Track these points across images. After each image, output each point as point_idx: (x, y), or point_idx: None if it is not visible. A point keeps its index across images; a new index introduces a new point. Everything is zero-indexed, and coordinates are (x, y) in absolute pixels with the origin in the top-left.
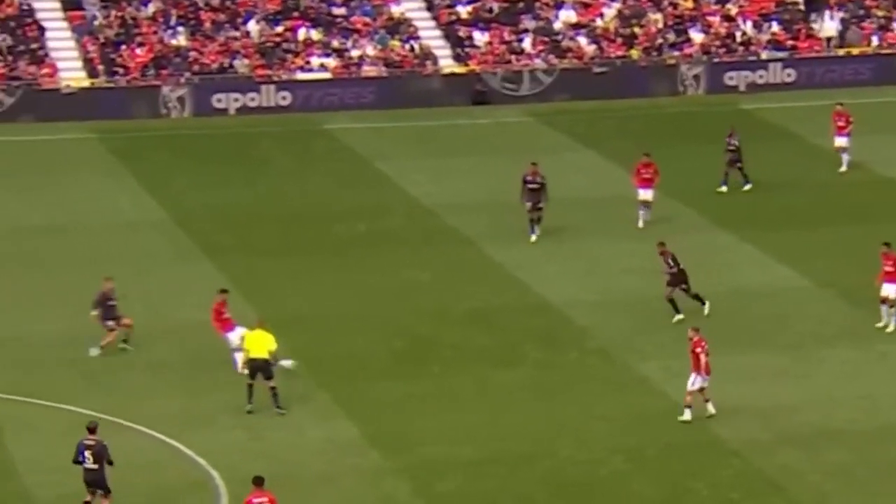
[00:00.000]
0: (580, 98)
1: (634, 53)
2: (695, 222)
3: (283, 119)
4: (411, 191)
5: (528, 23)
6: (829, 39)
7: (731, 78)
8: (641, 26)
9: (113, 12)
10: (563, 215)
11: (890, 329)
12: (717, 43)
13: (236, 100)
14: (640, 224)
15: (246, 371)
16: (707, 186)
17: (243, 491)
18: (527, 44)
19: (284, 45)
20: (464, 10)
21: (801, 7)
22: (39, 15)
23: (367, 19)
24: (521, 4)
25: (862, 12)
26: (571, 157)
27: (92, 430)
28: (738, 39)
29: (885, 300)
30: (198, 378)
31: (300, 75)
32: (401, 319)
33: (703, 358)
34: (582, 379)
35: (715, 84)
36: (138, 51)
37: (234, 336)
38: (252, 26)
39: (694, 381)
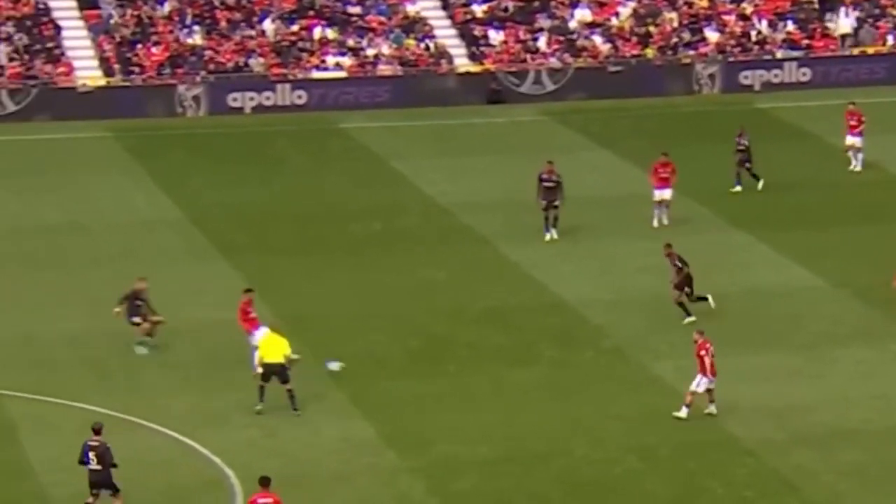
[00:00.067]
0: (595, 97)
1: (649, 52)
2: (710, 222)
3: (299, 118)
4: (427, 190)
5: (543, 22)
6: (844, 37)
7: (747, 77)
8: (656, 25)
9: (129, 11)
10: (578, 214)
11: None
12: (733, 42)
13: (252, 99)
14: (655, 223)
15: (259, 370)
16: (722, 186)
17: (258, 489)
18: (542, 43)
19: (300, 44)
20: (479, 9)
21: (816, 6)
22: (55, 14)
23: (383, 18)
24: (536, 3)
25: (877, 11)
26: (586, 156)
27: (97, 432)
28: (754, 38)
29: None
30: (213, 377)
31: (315, 74)
32: (416, 318)
33: (707, 360)
34: (597, 378)
35: (730, 83)
36: (154, 50)
37: (260, 335)
38: (267, 25)
39: (699, 383)
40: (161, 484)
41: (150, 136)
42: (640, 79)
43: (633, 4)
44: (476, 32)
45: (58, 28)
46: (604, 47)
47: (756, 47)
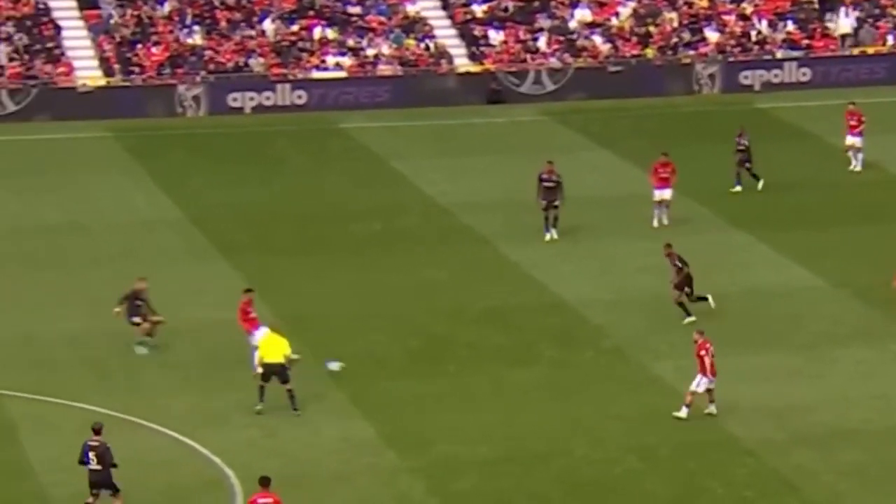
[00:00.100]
0: (595, 97)
1: (649, 52)
2: (710, 222)
3: (299, 118)
4: (427, 190)
5: (543, 22)
6: (843, 37)
7: (747, 77)
8: (656, 25)
9: (129, 11)
10: (578, 214)
11: None
12: (733, 42)
13: (252, 99)
14: (655, 223)
15: (260, 370)
16: (722, 186)
17: (258, 489)
18: (542, 43)
19: (300, 44)
20: (479, 9)
21: (816, 6)
22: (55, 14)
23: (383, 18)
24: (536, 3)
25: (877, 11)
26: (586, 156)
27: (97, 432)
28: (754, 38)
29: None
30: (213, 377)
31: (316, 74)
32: (416, 318)
33: (707, 360)
34: (597, 378)
35: (730, 83)
36: (154, 50)
37: (260, 335)
38: (267, 25)
39: (699, 383)
40: (161, 484)
41: (150, 136)
42: (640, 79)
43: (633, 4)
44: (476, 32)
45: (58, 28)
46: (604, 47)
47: (756, 47)
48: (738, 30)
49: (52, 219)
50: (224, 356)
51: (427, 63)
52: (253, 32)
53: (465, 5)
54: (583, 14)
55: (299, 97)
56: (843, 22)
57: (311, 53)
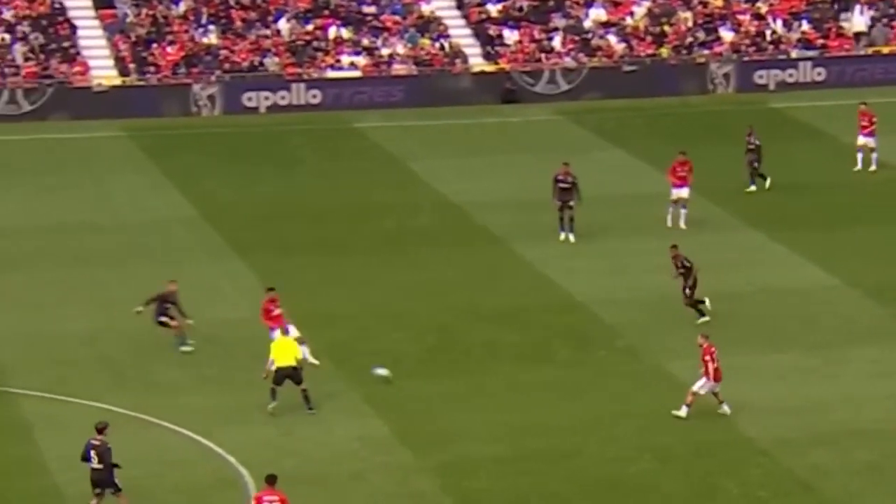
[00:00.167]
0: (610, 96)
1: (664, 52)
2: (724, 222)
3: (314, 117)
4: (441, 189)
5: (558, 21)
6: (858, 35)
7: (761, 76)
8: (671, 25)
9: (144, 10)
10: (592, 214)
11: None
12: (747, 41)
13: (267, 98)
14: (669, 223)
15: (273, 368)
16: (736, 185)
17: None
18: (556, 42)
19: (315, 44)
20: (494, 9)
21: (832, 5)
22: (71, 13)
23: (398, 18)
24: (551, 3)
25: (892, 11)
26: (600, 156)
27: (100, 431)
28: (768, 38)
29: None
30: (228, 376)
31: (330, 74)
32: (430, 317)
33: (711, 366)
34: (611, 377)
35: (745, 83)
36: (169, 49)
37: (292, 331)
38: (282, 25)
39: (702, 386)
40: (176, 482)
41: (165, 135)
42: (654, 78)
43: (647, 4)
44: (491, 32)
45: (73, 27)
46: (618, 47)
47: (771, 47)
48: (752, 29)
49: (68, 218)
50: (239, 355)
51: (442, 63)
52: (268, 32)
53: (479, 5)
54: (597, 13)
55: (314, 97)
56: (858, 20)
57: (326, 53)
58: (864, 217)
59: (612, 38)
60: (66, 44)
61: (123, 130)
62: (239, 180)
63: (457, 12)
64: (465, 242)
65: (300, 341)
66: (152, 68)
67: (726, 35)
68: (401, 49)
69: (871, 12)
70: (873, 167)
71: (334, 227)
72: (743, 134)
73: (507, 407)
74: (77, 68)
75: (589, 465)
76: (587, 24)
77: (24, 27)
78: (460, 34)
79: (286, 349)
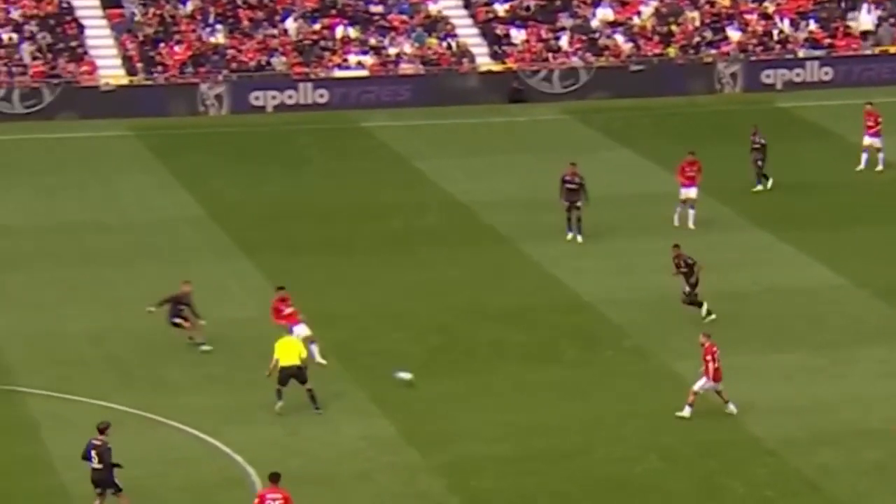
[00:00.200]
0: (617, 96)
1: (671, 51)
2: (731, 221)
3: (321, 117)
4: (448, 188)
5: (565, 21)
6: (864, 33)
7: (768, 76)
8: (678, 24)
9: (152, 10)
10: (599, 213)
11: None
12: (755, 41)
13: (274, 97)
14: (676, 222)
15: (271, 368)
16: (743, 185)
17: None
18: (564, 42)
19: (322, 43)
20: (501, 8)
21: (840, 4)
22: (79, 13)
23: (405, 17)
24: (558, 2)
25: None
26: (608, 156)
27: (101, 431)
28: (776, 37)
29: None
30: (235, 375)
31: (337, 73)
32: (437, 317)
33: (711, 366)
34: (617, 377)
35: (752, 82)
36: (177, 48)
37: (296, 331)
38: (290, 24)
39: (702, 385)
40: (183, 481)
41: (173, 134)
42: (661, 78)
43: (655, 3)
44: (498, 31)
45: (81, 27)
46: (626, 46)
47: (778, 46)
48: (760, 29)
49: (75, 217)
50: (246, 355)
51: (449, 62)
52: (275, 31)
53: (486, 4)
54: (605, 13)
55: (321, 96)
56: (865, 18)
57: (333, 52)
58: (872, 217)
59: (620, 38)
60: (73, 43)
61: (131, 130)
62: (246, 180)
63: (464, 12)
64: (472, 242)
65: (310, 340)
66: (160, 68)
67: (733, 34)
68: (408, 48)
69: (879, 12)
70: (880, 167)
71: (341, 226)
72: (749, 133)
73: (513, 407)
74: (84, 68)
75: (595, 465)
76: (594, 23)
77: (31, 26)
78: (467, 34)
79: (290, 348)
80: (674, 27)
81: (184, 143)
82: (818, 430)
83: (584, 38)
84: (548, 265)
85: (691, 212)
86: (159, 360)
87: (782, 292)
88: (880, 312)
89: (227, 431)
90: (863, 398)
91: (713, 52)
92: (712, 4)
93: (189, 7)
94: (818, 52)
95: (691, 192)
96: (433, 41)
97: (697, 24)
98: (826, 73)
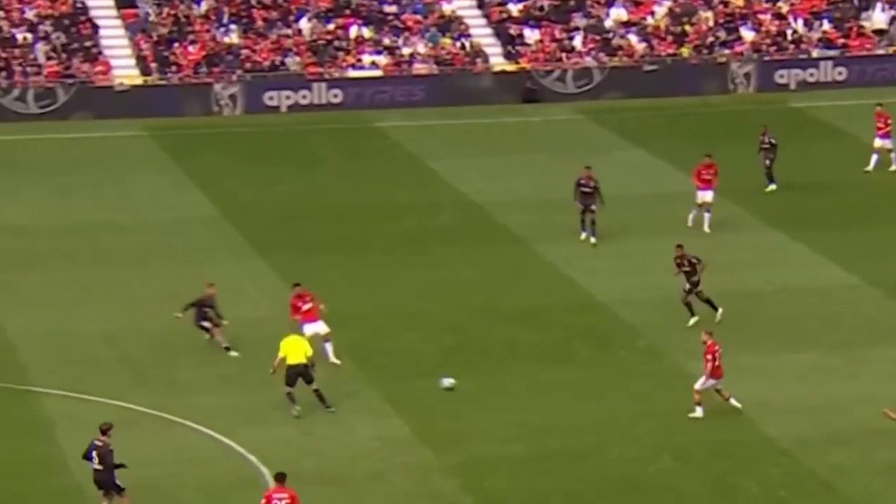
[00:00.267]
0: (630, 96)
1: (685, 51)
2: (745, 221)
3: (335, 116)
4: (461, 188)
5: (578, 21)
6: (878, 32)
7: (782, 76)
8: (692, 24)
9: (166, 10)
10: (612, 213)
11: None
12: (768, 41)
13: (288, 97)
14: (690, 223)
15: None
16: (756, 185)
17: (293, 488)
18: (577, 42)
19: (336, 43)
20: (515, 8)
21: (854, 3)
22: (93, 13)
23: (419, 17)
24: (572, 2)
25: None
26: (621, 156)
27: (104, 432)
28: (789, 37)
29: None
30: (249, 375)
31: (351, 73)
32: (451, 317)
33: (709, 365)
34: (631, 377)
35: (765, 82)
36: (191, 48)
37: (311, 328)
38: (304, 24)
39: (704, 383)
40: (197, 481)
41: (187, 134)
42: (675, 78)
43: (668, 3)
44: (512, 31)
45: (95, 27)
46: (639, 46)
47: (792, 46)
48: (773, 29)
49: (89, 217)
50: (261, 355)
51: (462, 62)
52: (289, 31)
53: (500, 4)
54: (618, 13)
55: (335, 96)
56: (878, 17)
57: (347, 52)
58: (886, 217)
59: (633, 38)
60: (88, 43)
61: (145, 130)
62: (260, 180)
63: (478, 12)
64: (485, 242)
65: (325, 339)
66: (174, 68)
67: (747, 34)
68: (422, 48)
69: (892, 11)
70: (893, 167)
71: (355, 226)
72: (759, 134)
73: (527, 407)
74: (99, 68)
75: (608, 465)
76: (608, 23)
77: (46, 26)
78: (481, 33)
79: (297, 347)
80: (687, 27)
81: (198, 143)
82: (832, 430)
83: (597, 38)
84: (561, 265)
85: (707, 215)
86: (174, 360)
87: (796, 292)
88: (894, 312)
89: (241, 431)
90: (876, 398)
91: (727, 52)
92: (726, 4)
93: (203, 7)
94: (832, 52)
95: (707, 196)
96: (447, 41)
97: (711, 24)
98: (840, 73)
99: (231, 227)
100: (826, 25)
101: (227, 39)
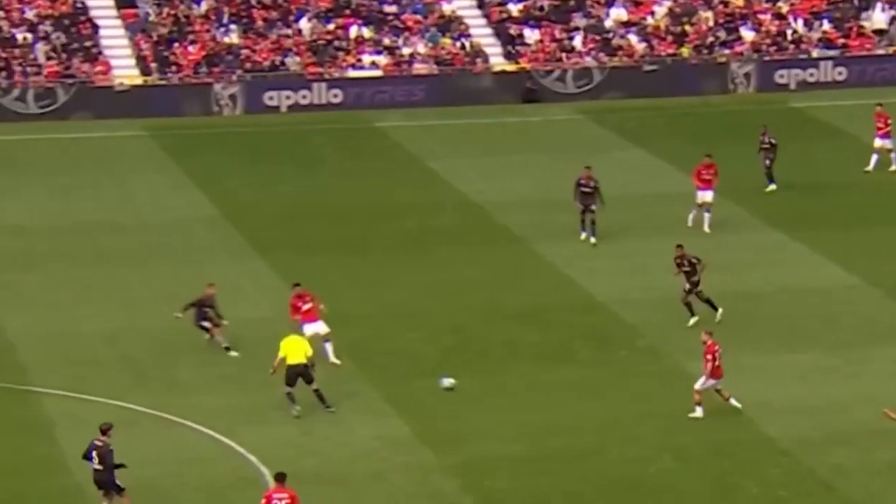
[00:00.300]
0: (630, 96)
1: (685, 51)
2: (745, 221)
3: (335, 116)
4: (462, 188)
5: (578, 21)
6: (878, 32)
7: (782, 76)
8: (692, 24)
9: (166, 10)
10: (612, 213)
11: None
12: (768, 41)
13: (288, 97)
14: (690, 223)
15: (275, 365)
16: (756, 185)
17: (293, 488)
18: (577, 42)
19: (336, 43)
20: (515, 8)
21: (855, 3)
22: (93, 13)
23: (419, 17)
24: (572, 2)
25: None
26: (621, 156)
27: (104, 432)
28: (789, 37)
29: None
30: (249, 375)
31: (351, 73)
32: (451, 317)
33: (708, 365)
34: (631, 377)
35: (765, 82)
36: (191, 48)
37: (311, 328)
38: (304, 24)
39: (704, 383)
40: (197, 481)
41: (187, 134)
42: (675, 78)
43: (668, 3)
44: (512, 31)
45: (95, 27)
46: (639, 46)
47: (792, 46)
48: (773, 29)
49: (89, 217)
50: (261, 355)
51: (462, 62)
52: (289, 31)
53: (500, 4)
54: (618, 13)
55: (335, 96)
56: (878, 17)
57: (347, 52)
58: (886, 217)
59: (633, 38)
60: (87, 43)
61: (145, 130)
62: (260, 180)
63: (478, 12)
64: (485, 242)
65: (325, 339)
66: (174, 68)
67: (747, 34)
68: (422, 48)
69: (892, 11)
70: (893, 167)
71: (356, 226)
72: (759, 134)
73: (527, 407)
74: (99, 68)
75: (609, 465)
76: (608, 23)
77: (46, 26)
78: (481, 33)
79: (297, 347)
80: (687, 27)
81: (198, 143)
82: (832, 430)
83: (597, 38)
84: (562, 265)
85: (707, 215)
86: (174, 360)
87: (796, 292)
88: (894, 312)
89: (240, 431)
90: (876, 398)
91: (727, 52)
92: (726, 4)
93: (203, 7)
94: (832, 52)
95: (707, 196)
96: (447, 41)
97: (711, 24)
98: (840, 73)
99: (231, 227)
100: (826, 25)
101: (227, 39)
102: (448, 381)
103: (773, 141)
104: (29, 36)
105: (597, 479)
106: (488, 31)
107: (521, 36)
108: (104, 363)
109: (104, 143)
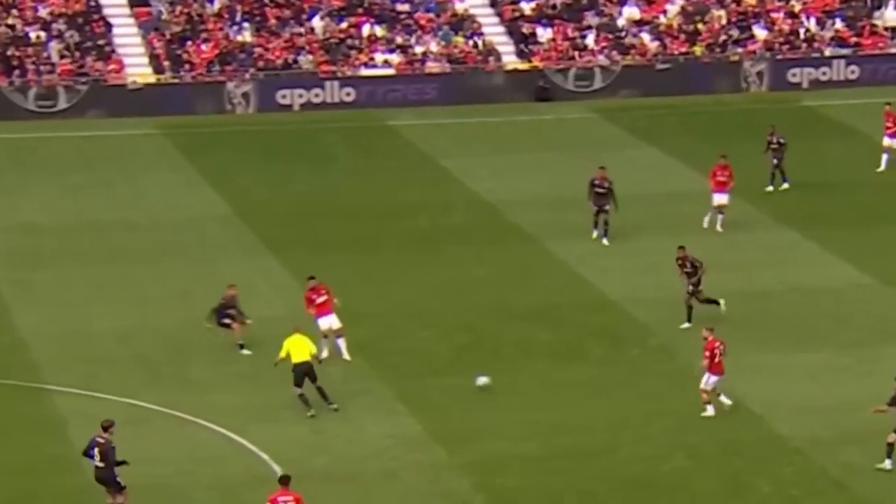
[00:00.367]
0: (643, 94)
1: (698, 50)
2: (757, 220)
3: (347, 115)
4: (474, 187)
5: (591, 19)
6: (891, 30)
7: (795, 75)
8: (705, 23)
9: (179, 8)
10: (625, 212)
11: None
12: (781, 40)
13: (300, 96)
14: (706, 224)
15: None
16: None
17: (305, 486)
18: (590, 40)
19: (349, 42)
20: (527, 7)
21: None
22: (107, 11)
23: (431, 15)
24: (584, 1)
25: None
26: (634, 154)
27: (105, 429)
28: (802, 36)
29: None
30: (261, 373)
31: (364, 71)
32: (463, 315)
33: (707, 362)
34: (644, 375)
35: (778, 81)
36: (204, 47)
37: (326, 321)
38: (316, 22)
39: (707, 381)
40: (210, 479)
41: (200, 132)
42: (688, 76)
43: (681, 2)
44: (524, 30)
45: (108, 25)
46: (652, 45)
47: (804, 45)
48: (786, 27)
49: (102, 215)
50: (273, 353)
51: (475, 60)
52: (302, 30)
53: (513, 3)
54: (631, 12)
55: (348, 94)
56: (891, 16)
57: (360, 51)
58: None
59: (646, 37)
60: (101, 41)
61: (158, 128)
62: (273, 178)
63: (490, 10)
64: (497, 240)
65: (337, 334)
66: (187, 66)
67: (760, 33)
68: (434, 47)
69: None
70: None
71: (368, 224)
72: (767, 133)
73: (539, 405)
74: (112, 66)
75: (621, 464)
76: (621, 22)
77: (59, 25)
78: (494, 32)
79: (301, 345)
80: (700, 26)
81: (211, 141)
82: (844, 430)
83: (610, 36)
84: (574, 264)
85: (720, 216)
86: (186, 359)
87: (807, 291)
88: None
89: (253, 430)
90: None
91: (739, 50)
92: (738, 3)
93: (216, 5)
94: (844, 51)
95: (723, 199)
96: (459, 40)
97: (724, 22)
98: (852, 72)
99: (244, 226)
100: (839, 24)
101: (239, 38)
102: (483, 380)
103: (781, 140)
104: (42, 34)
105: (609, 477)
106: (501, 29)
107: (533, 34)
108: (117, 361)
109: (117, 141)
